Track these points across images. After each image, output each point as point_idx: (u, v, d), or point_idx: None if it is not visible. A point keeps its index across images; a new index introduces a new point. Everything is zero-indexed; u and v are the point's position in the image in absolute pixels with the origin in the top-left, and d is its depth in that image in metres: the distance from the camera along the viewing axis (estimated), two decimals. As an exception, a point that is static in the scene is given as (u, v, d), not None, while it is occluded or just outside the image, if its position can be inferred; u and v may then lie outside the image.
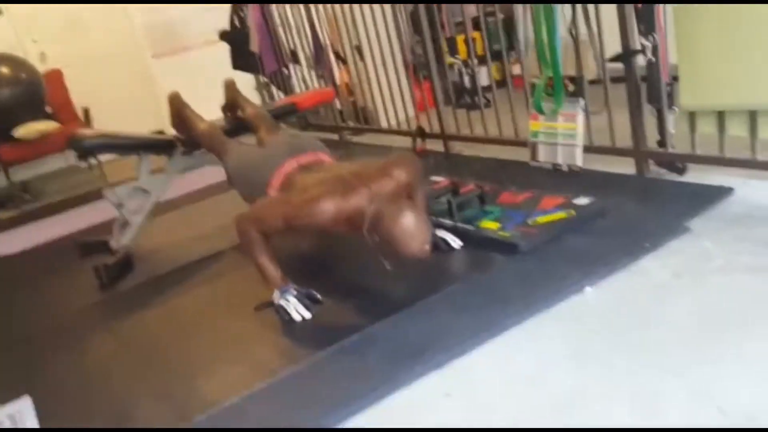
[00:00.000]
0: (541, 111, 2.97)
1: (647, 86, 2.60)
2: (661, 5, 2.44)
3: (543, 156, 3.09)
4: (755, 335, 1.62)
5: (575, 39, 2.79)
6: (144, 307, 2.65)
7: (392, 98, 4.17)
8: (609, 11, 2.61)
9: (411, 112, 4.21)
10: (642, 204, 2.49)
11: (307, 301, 2.23)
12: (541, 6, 2.79)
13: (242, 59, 5.53)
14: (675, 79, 2.53)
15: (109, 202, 3.23)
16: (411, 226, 2.02)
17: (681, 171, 2.68)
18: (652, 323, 1.78)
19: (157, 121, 6.34)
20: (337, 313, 2.21)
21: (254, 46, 5.33)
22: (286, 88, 5.30)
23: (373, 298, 2.25)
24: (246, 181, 2.63)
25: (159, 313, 2.57)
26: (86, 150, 3.05)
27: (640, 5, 2.44)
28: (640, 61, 2.59)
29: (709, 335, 1.66)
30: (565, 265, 2.13)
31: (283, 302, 2.23)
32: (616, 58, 2.60)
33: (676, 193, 2.52)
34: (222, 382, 1.94)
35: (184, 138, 3.34)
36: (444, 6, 3.97)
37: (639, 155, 2.74)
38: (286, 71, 5.19)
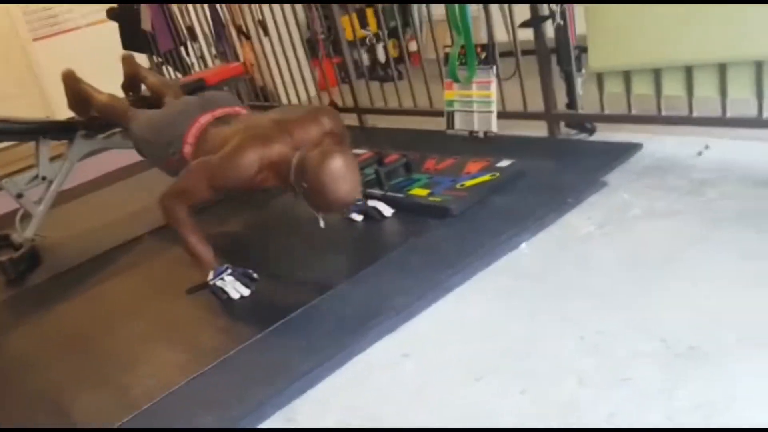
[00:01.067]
0: (456, 79, 3.03)
1: (557, 50, 2.71)
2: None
3: (459, 124, 3.16)
4: (680, 272, 1.75)
5: (485, 7, 2.86)
6: (64, 299, 2.49)
7: (294, 76, 4.06)
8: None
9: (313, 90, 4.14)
10: (559, 163, 2.61)
11: (245, 279, 2.18)
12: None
13: (133, 39, 5.25)
14: (582, 50, 2.66)
15: (8, 193, 3.00)
16: (339, 170, 1.92)
17: (590, 131, 2.83)
18: (586, 271, 1.88)
19: (42, 108, 5.94)
20: (276, 290, 2.18)
21: (146, 24, 5.07)
22: (183, 67, 5.09)
23: (311, 272, 2.23)
24: (157, 139, 2.49)
25: (81, 303, 2.44)
26: (-21, 136, 2.81)
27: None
28: (549, 29, 2.71)
29: (639, 276, 1.78)
30: (496, 224, 2.20)
31: (219, 282, 2.17)
32: (526, 24, 2.70)
33: (589, 151, 2.66)
34: (165, 367, 1.87)
35: (84, 119, 3.16)
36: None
37: (550, 118, 2.86)
38: (183, 49, 4.98)
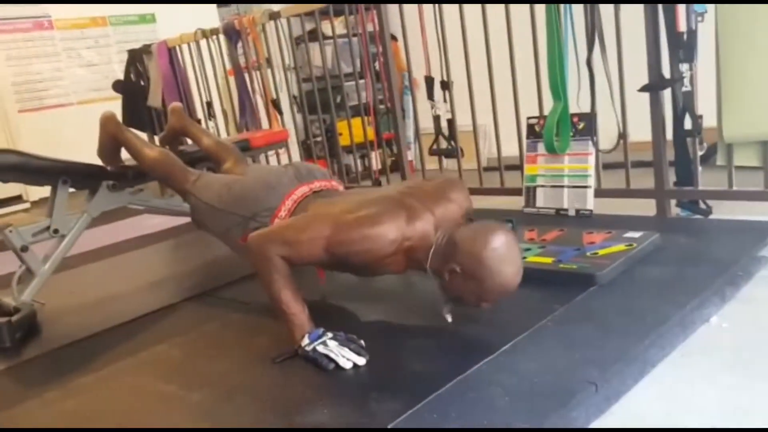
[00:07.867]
0: (552, 150, 2.71)
1: (675, 119, 2.44)
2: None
3: (543, 201, 2.81)
4: None
5: (590, 71, 2.60)
6: (91, 369, 1.89)
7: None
8: (633, 40, 2.48)
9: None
10: (694, 239, 2.26)
11: (353, 344, 1.67)
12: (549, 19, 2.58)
13: (136, 115, 4.91)
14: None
15: (9, 245, 2.44)
16: (506, 249, 1.58)
17: (706, 212, 2.52)
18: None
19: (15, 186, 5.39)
20: (398, 359, 1.66)
21: (154, 100, 4.73)
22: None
23: (439, 341, 1.73)
24: (237, 210, 2.03)
25: (116, 372, 1.84)
26: (-9, 169, 2.29)
27: (682, 30, 2.30)
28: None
29: None
30: (664, 295, 1.79)
31: (320, 348, 1.65)
32: (646, 88, 2.44)
33: (720, 228, 2.33)
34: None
35: (114, 170, 2.67)
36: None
37: (662, 195, 2.55)
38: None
